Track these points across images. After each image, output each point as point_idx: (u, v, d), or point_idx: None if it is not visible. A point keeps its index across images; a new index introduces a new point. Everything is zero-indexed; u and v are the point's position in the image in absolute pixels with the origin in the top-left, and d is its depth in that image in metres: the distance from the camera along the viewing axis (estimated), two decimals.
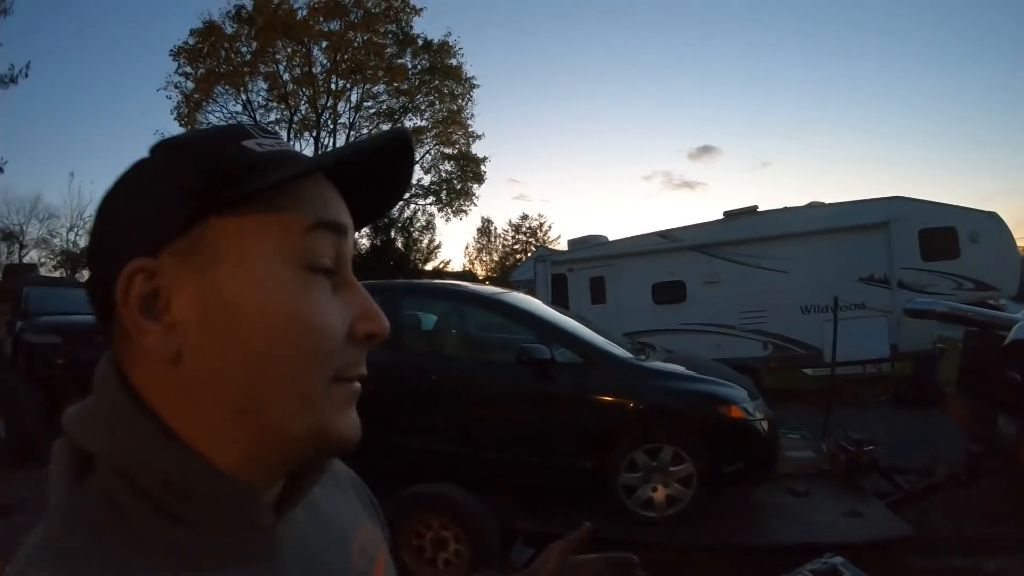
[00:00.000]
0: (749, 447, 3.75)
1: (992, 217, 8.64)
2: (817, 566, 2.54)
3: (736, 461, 3.70)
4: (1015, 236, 8.81)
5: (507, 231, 39.85)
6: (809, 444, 4.70)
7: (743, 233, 9.77)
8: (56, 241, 28.29)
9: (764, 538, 3.64)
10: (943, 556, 3.69)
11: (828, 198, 10.09)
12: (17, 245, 28.19)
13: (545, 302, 10.16)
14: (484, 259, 40.23)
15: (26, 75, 11.47)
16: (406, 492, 3.70)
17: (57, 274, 25.62)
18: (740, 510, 3.97)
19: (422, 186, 24.45)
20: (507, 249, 39.43)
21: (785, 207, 10.10)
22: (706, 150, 62.23)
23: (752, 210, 10.04)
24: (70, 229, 28.17)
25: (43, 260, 27.66)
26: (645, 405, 3.74)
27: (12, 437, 5.84)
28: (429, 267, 24.57)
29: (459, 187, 24.62)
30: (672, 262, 10.25)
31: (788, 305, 9.35)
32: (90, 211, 34.49)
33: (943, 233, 8.66)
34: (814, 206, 9.99)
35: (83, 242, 27.75)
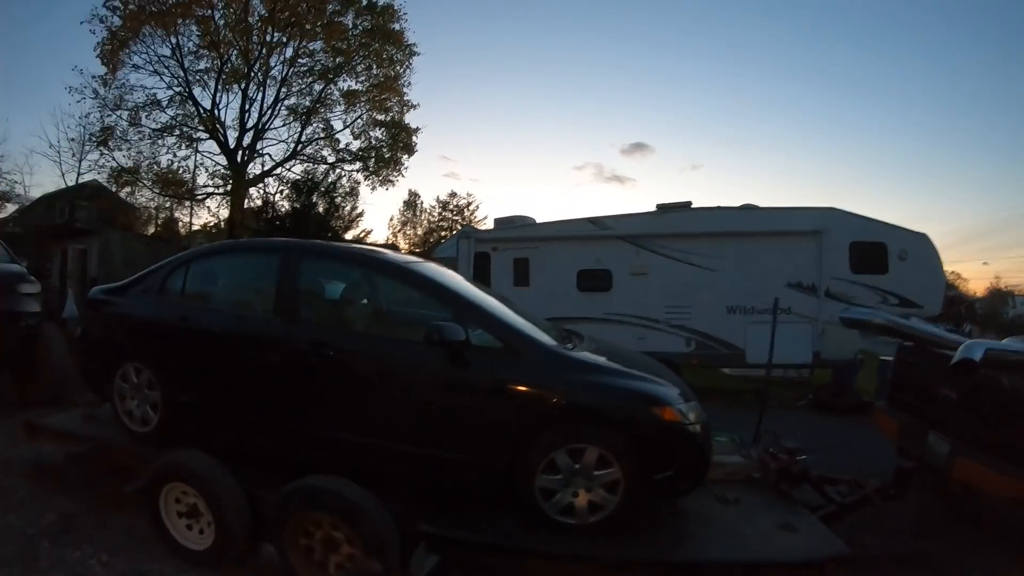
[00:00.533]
0: (682, 452, 3.34)
1: (921, 237, 9.03)
2: None
3: (667, 467, 3.29)
4: (942, 259, 9.25)
5: (434, 207, 39.82)
6: (738, 448, 4.44)
7: (675, 227, 9.88)
8: None
9: (696, 553, 3.31)
10: (873, 573, 3.71)
11: (760, 204, 10.33)
12: None
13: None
14: (408, 233, 40.02)
15: None
16: (293, 485, 3.24)
17: None
18: (667, 520, 3.62)
19: (349, 151, 23.82)
20: (432, 225, 39.40)
21: (719, 206, 10.28)
22: (639, 147, 64.11)
23: (686, 205, 10.20)
24: None
25: None
26: (570, 400, 3.28)
27: None
28: (350, 235, 23.98)
29: (388, 156, 23.89)
30: (600, 250, 10.25)
31: (714, 304, 9.55)
32: (1, 151, 31.65)
33: (874, 248, 9.02)
34: (748, 208, 10.08)
35: None
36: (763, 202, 10.77)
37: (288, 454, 3.68)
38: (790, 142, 64.08)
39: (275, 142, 23.65)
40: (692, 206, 10.10)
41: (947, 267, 9.61)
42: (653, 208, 10.28)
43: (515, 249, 10.78)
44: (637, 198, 65.55)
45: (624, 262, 9.99)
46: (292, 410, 3.67)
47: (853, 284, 9.03)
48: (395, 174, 24.39)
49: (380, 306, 4.19)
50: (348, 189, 24.27)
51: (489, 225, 12.56)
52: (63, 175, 24.23)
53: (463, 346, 3.27)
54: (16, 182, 25.93)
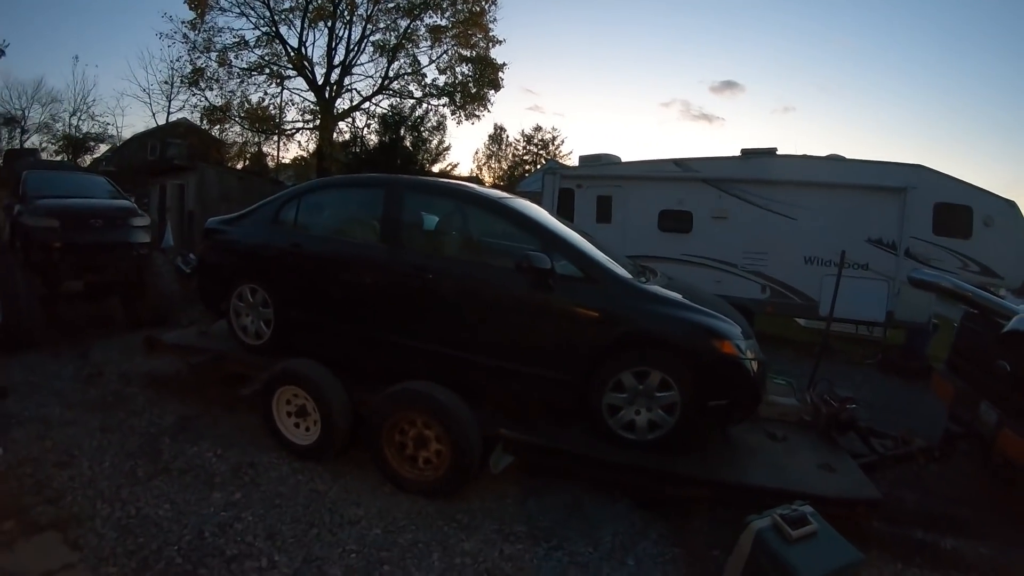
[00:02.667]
0: (736, 384, 3.61)
1: (1011, 205, 8.55)
2: (787, 511, 2.40)
3: (722, 396, 3.57)
4: None
5: (519, 140, 39.87)
6: (794, 392, 4.63)
7: (758, 173, 9.64)
8: (59, 126, 27.49)
9: (736, 477, 3.56)
10: (905, 526, 3.74)
11: (847, 154, 9.85)
12: (19, 130, 27.66)
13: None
14: (493, 166, 40.47)
15: None
16: (394, 387, 3.74)
17: (59, 159, 24.96)
18: (717, 445, 3.89)
19: (436, 86, 23.59)
20: (517, 159, 39.56)
21: (805, 155, 9.90)
22: (729, 85, 60.79)
23: (771, 152, 9.92)
24: (73, 114, 27.40)
25: (44, 145, 27.07)
26: (639, 327, 3.59)
27: (8, 320, 5.83)
28: (436, 168, 24.05)
29: (474, 91, 23.55)
30: (682, 191, 10.14)
31: (792, 252, 9.35)
32: (93, 95, 33.48)
33: (958, 211, 8.63)
34: (835, 159, 9.69)
35: (85, 127, 27.19)
36: (852, 152, 10.33)
37: (386, 365, 4.17)
38: (888, 91, 59.22)
39: (362, 78, 23.89)
40: (777, 152, 9.85)
41: None
42: (738, 152, 10.08)
43: (599, 187, 10.85)
44: (725, 137, 62.85)
45: (705, 205, 9.91)
46: (392, 326, 4.13)
47: (934, 246, 8.68)
48: (481, 109, 24.16)
49: (474, 236, 4.54)
50: (435, 123, 24.23)
51: (573, 160, 12.68)
52: (154, 115, 25.64)
53: (548, 273, 3.63)
54: (108, 123, 27.79)
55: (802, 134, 58.89)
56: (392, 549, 3.14)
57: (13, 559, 2.84)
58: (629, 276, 3.90)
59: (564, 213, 10.80)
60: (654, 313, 3.61)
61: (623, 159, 11.51)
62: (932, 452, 4.13)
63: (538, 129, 39.73)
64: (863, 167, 9.26)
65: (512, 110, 73.62)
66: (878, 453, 4.15)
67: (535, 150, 38.97)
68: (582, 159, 12.42)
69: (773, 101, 67.63)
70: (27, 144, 26.52)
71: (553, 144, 38.78)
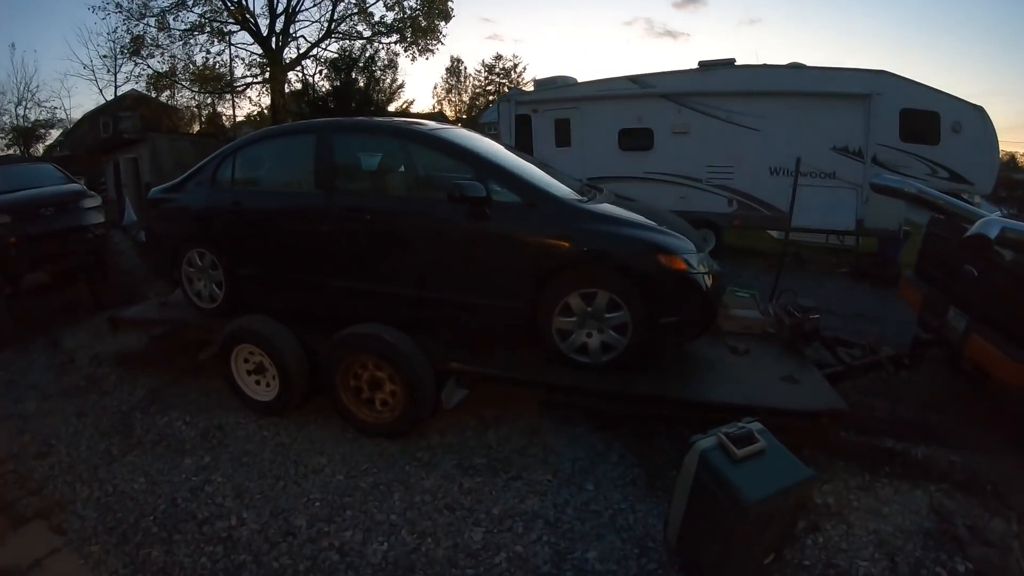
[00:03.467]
0: (688, 300, 3.54)
1: (978, 110, 8.39)
2: (732, 430, 2.35)
3: (673, 313, 3.51)
4: (1000, 139, 8.56)
5: (480, 71, 39.18)
6: (757, 304, 4.58)
7: (717, 86, 9.50)
8: (5, 119, 26.49)
9: (694, 393, 3.53)
10: (874, 436, 3.72)
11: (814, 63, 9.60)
12: None
13: (508, 143, 9.98)
14: (453, 100, 39.74)
15: None
16: (341, 333, 3.75)
17: (10, 152, 24.38)
18: (676, 362, 3.86)
19: (384, 24, 22.80)
20: (479, 90, 38.94)
21: (764, 64, 9.72)
22: None
23: (729, 63, 9.71)
24: (18, 104, 26.38)
25: None
26: (580, 247, 3.51)
27: None
28: (392, 107, 23.45)
29: (424, 24, 22.79)
30: (641, 109, 10.00)
31: (757, 164, 9.30)
32: (36, 81, 31.94)
33: (925, 117, 8.50)
34: (795, 67, 9.48)
35: (33, 115, 26.25)
36: (823, 59, 10.12)
37: (337, 311, 4.12)
38: None
39: (308, 23, 22.98)
40: (735, 63, 9.63)
41: (1010, 148, 8.85)
42: (695, 65, 9.85)
43: (556, 110, 10.66)
44: (690, 54, 61.39)
45: (665, 121, 9.79)
46: (337, 271, 4.08)
47: (902, 153, 8.60)
48: (434, 43, 23.42)
49: (408, 171, 4.44)
50: (387, 62, 23.61)
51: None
52: (101, 91, 24.84)
53: (483, 201, 3.55)
54: (56, 107, 26.80)
55: (769, 47, 57.75)
56: (354, 494, 3.20)
57: (4, 553, 2.93)
58: (570, 197, 3.81)
59: (522, 140, 10.72)
60: (597, 232, 3.52)
61: (583, 80, 11.19)
62: (901, 360, 4.11)
63: (499, 58, 39.02)
64: (825, 74, 9.09)
65: (471, 41, 71.29)
66: (845, 363, 4.11)
67: (498, 79, 38.24)
68: (536, 83, 12.13)
69: (739, 13, 65.88)
70: None
71: (515, 72, 38.09)
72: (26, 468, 3.68)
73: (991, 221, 3.51)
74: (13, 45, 40.14)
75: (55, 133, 27.45)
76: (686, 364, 3.85)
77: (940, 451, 3.57)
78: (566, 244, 3.51)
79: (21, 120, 26.18)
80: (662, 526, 2.80)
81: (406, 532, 2.90)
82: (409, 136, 4.30)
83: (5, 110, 26.26)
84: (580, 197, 3.87)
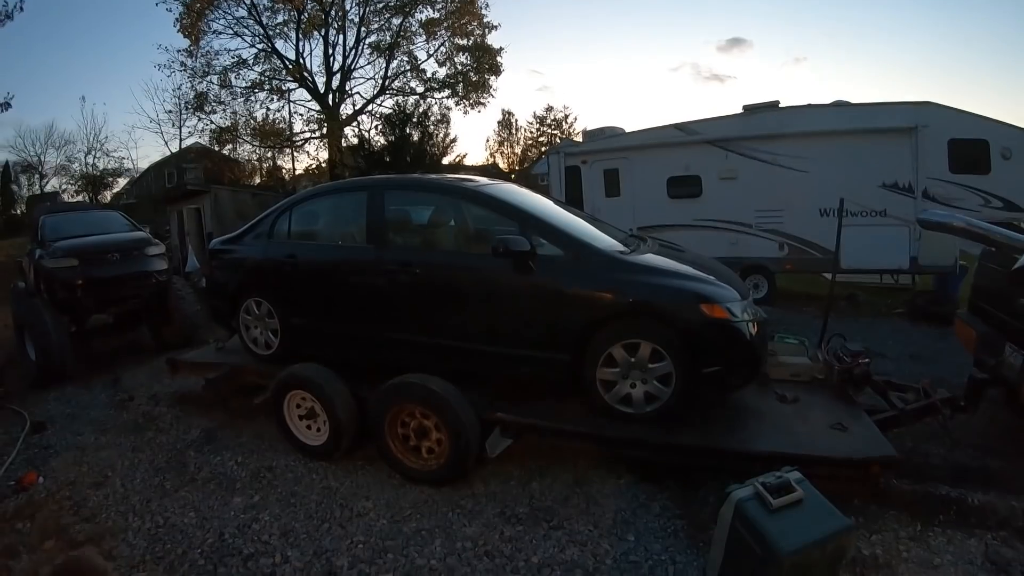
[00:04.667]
0: (731, 349, 3.52)
1: None
2: (769, 479, 2.34)
3: (716, 362, 3.49)
4: None
5: (531, 123, 39.50)
6: (806, 350, 4.49)
7: (762, 129, 9.50)
8: (75, 166, 28.61)
9: (740, 443, 3.48)
10: (928, 483, 3.55)
11: (858, 99, 9.53)
12: (37, 175, 28.99)
13: (558, 195, 10.19)
14: (506, 152, 40.07)
15: (20, 8, 10.94)
16: (390, 382, 3.86)
17: (79, 198, 26.01)
18: (723, 413, 3.82)
19: (436, 79, 23.77)
20: (530, 142, 39.20)
21: (808, 104, 9.66)
22: (736, 42, 59.59)
23: (773, 105, 9.71)
24: (87, 152, 28.38)
25: (64, 187, 28.39)
26: (623, 299, 3.55)
27: (42, 359, 6.31)
28: (446, 161, 23.94)
29: (475, 79, 23.66)
30: (688, 156, 10.06)
31: (806, 206, 9.18)
32: (105, 132, 34.40)
33: (974, 145, 8.32)
34: (840, 105, 9.46)
35: (101, 164, 28.17)
36: (866, 96, 10.04)
37: (386, 360, 4.24)
38: (899, 28, 56.70)
39: (363, 80, 24.05)
40: (780, 105, 9.62)
41: None
42: (740, 110, 9.91)
43: (604, 160, 10.79)
44: (738, 96, 61.22)
45: (713, 167, 9.81)
46: (387, 322, 4.21)
47: (952, 184, 8.39)
48: (485, 96, 24.24)
49: (455, 226, 4.59)
50: (439, 116, 24.13)
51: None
52: (166, 143, 26.43)
53: (528, 255, 3.65)
54: (123, 158, 28.76)
55: (816, 83, 57.14)
56: (397, 538, 3.25)
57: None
58: (612, 249, 3.87)
59: (573, 191, 10.86)
60: (639, 283, 3.56)
61: (631, 130, 11.35)
62: (956, 402, 3.96)
63: (549, 109, 39.35)
64: (869, 110, 9.01)
65: (521, 94, 73.12)
66: (897, 408, 3.95)
67: (549, 131, 38.53)
68: (585, 134, 12.36)
69: (783, 53, 65.72)
70: (47, 188, 27.78)
71: (566, 122, 38.35)
72: (81, 496, 3.86)
73: None
74: (83, 97, 43.53)
75: (122, 182, 29.39)
76: (732, 413, 3.81)
77: (998, 497, 3.37)
78: (609, 296, 3.56)
79: (90, 168, 28.08)
80: None
81: None
82: (455, 193, 4.48)
83: (75, 159, 28.48)
84: (623, 248, 3.94)
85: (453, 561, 3.03)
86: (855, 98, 9.55)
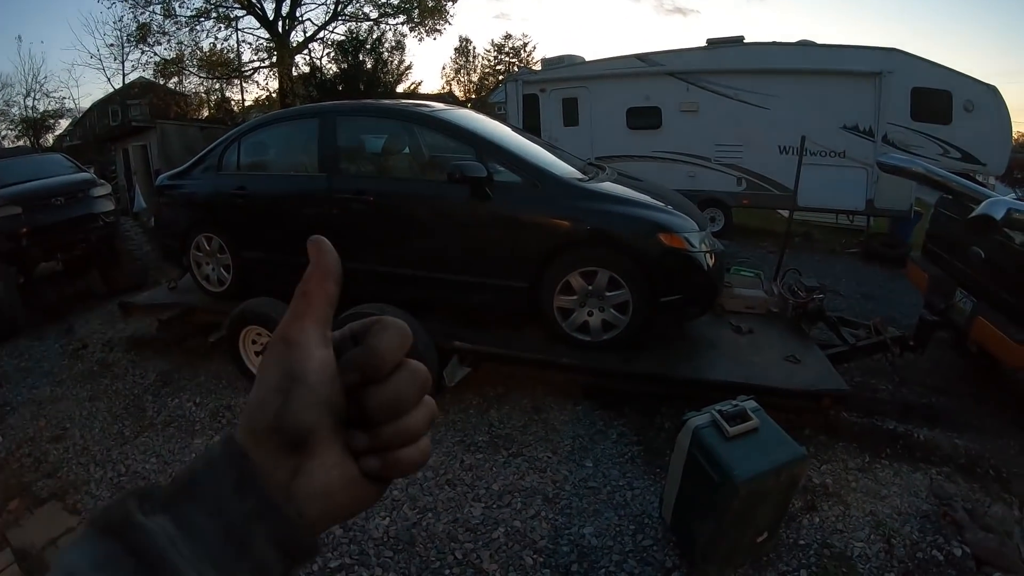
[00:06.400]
0: (688, 279, 3.55)
1: (991, 90, 8.26)
2: (726, 407, 2.36)
3: (673, 292, 3.53)
4: (1014, 120, 8.39)
5: (489, 51, 38.56)
6: (761, 284, 4.57)
7: (726, 63, 9.40)
8: (15, 110, 26.63)
9: (695, 373, 3.55)
10: (877, 418, 3.68)
11: (824, 41, 9.47)
12: None
13: (516, 123, 9.97)
14: (463, 80, 39.10)
15: None
16: (344, 314, 3.71)
17: (20, 143, 24.42)
18: (677, 341, 3.88)
19: (391, 5, 22.71)
20: (488, 70, 38.32)
21: (773, 42, 9.62)
22: None
23: (738, 40, 9.62)
24: (27, 95, 26.46)
25: (3, 133, 26.48)
26: (579, 226, 3.53)
27: None
28: (401, 89, 23.19)
29: (431, 5, 22.78)
30: (649, 87, 9.94)
31: (766, 143, 9.21)
32: (44, 72, 31.90)
33: (937, 95, 8.38)
34: (805, 44, 9.36)
35: (42, 106, 26.36)
36: (828, 39, 9.98)
37: (343, 291, 4.17)
38: None
39: (314, 6, 22.87)
40: (744, 41, 9.53)
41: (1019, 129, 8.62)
42: (704, 43, 9.78)
43: (563, 89, 10.61)
44: (700, 31, 60.64)
45: (674, 99, 9.72)
46: (342, 252, 4.05)
47: (913, 132, 8.48)
48: (441, 23, 23.45)
49: (410, 153, 4.47)
50: (394, 43, 23.18)
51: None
52: (109, 80, 24.85)
53: (484, 181, 3.58)
54: (64, 98, 26.96)
55: (780, 23, 56.69)
56: None
57: (22, 533, 3.04)
58: (571, 176, 3.82)
59: (531, 120, 10.67)
60: (596, 211, 3.54)
61: (591, 59, 11.14)
62: (906, 341, 4.08)
63: (508, 37, 38.83)
64: (835, 52, 8.99)
65: (479, 21, 71.08)
66: (848, 343, 4.07)
67: (507, 59, 37.52)
68: (544, 62, 12.14)
69: None
70: None
71: (525, 51, 37.35)
72: (41, 451, 3.78)
73: (997, 202, 3.46)
74: (19, 37, 40.60)
75: (64, 123, 27.72)
76: (688, 343, 3.87)
77: (943, 434, 3.54)
78: (567, 223, 3.53)
79: (30, 111, 26.36)
80: (658, 503, 2.83)
81: (407, 507, 2.95)
82: (410, 118, 4.32)
83: (14, 102, 26.52)
84: (582, 176, 3.88)
85: (415, 491, 3.07)
86: (818, 40, 9.49)
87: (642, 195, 3.77)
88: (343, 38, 21.99)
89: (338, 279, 0.40)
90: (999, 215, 3.35)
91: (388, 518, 2.89)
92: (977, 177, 7.96)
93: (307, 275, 0.39)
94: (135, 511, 0.31)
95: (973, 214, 3.50)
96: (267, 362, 0.37)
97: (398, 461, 0.39)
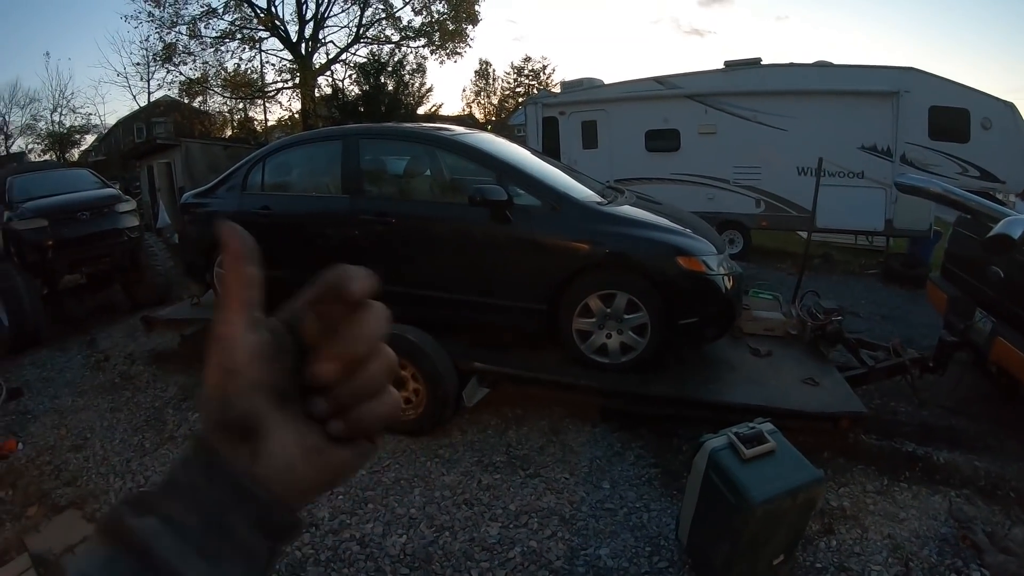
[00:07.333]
0: (707, 301, 3.57)
1: (1009, 107, 8.20)
2: (743, 429, 2.36)
3: (692, 314, 3.54)
4: None
5: (509, 74, 38.91)
6: (780, 306, 4.57)
7: (743, 85, 9.45)
8: (41, 125, 27.45)
9: (713, 395, 3.55)
10: (896, 440, 3.66)
11: (841, 61, 9.48)
12: (2, 136, 27.64)
13: (535, 146, 10.07)
14: (483, 102, 39.46)
15: None
16: None
17: (46, 158, 25.08)
18: (696, 364, 3.89)
19: (413, 28, 23.11)
20: (508, 92, 38.64)
21: (791, 63, 9.62)
22: None
23: (755, 62, 9.65)
24: (53, 110, 27.25)
25: (31, 146, 27.22)
26: (600, 250, 3.57)
27: (15, 325, 6.12)
28: (421, 111, 23.56)
29: (452, 28, 23.05)
30: (667, 110, 9.99)
31: (784, 164, 9.21)
32: (71, 88, 32.81)
33: (955, 114, 8.34)
34: (822, 65, 9.36)
35: (68, 121, 27.04)
36: (848, 59, 9.99)
37: None
38: None
39: (336, 29, 23.34)
40: (762, 63, 9.57)
41: None
42: (721, 65, 9.83)
43: (582, 112, 10.69)
44: (718, 52, 60.98)
45: (692, 121, 9.77)
46: None
47: (931, 151, 8.44)
48: (462, 46, 23.72)
49: (432, 176, 4.53)
50: (415, 66, 23.71)
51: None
52: (134, 97, 25.51)
53: (504, 205, 3.63)
54: (90, 114, 27.52)
55: (797, 44, 56.74)
56: (376, 488, 3.28)
57: (40, 539, 3.08)
58: (590, 200, 3.86)
59: (550, 142, 10.76)
60: (615, 234, 3.58)
61: (610, 82, 11.22)
62: (926, 363, 4.02)
63: (527, 60, 38.91)
64: (852, 72, 8.97)
65: (498, 44, 71.94)
66: (867, 365, 4.02)
67: (527, 81, 37.81)
68: (563, 85, 12.15)
69: (765, 9, 64.99)
70: (13, 149, 26.60)
71: (544, 73, 37.65)
72: (61, 460, 3.84)
73: (1015, 221, 3.44)
74: (48, 53, 41.47)
75: (90, 139, 28.38)
76: (706, 366, 3.87)
77: (963, 456, 3.49)
78: (585, 246, 3.57)
79: (57, 126, 26.98)
80: (674, 525, 2.83)
81: (425, 526, 2.97)
82: (432, 141, 4.40)
83: (41, 117, 27.23)
84: (601, 200, 3.92)
85: (433, 510, 3.08)
86: (835, 61, 9.50)
87: (660, 218, 3.80)
88: (365, 60, 22.43)
89: (254, 258, 0.40)
90: (1017, 234, 3.33)
91: (405, 536, 2.91)
92: (997, 195, 7.91)
93: (222, 263, 0.39)
94: (127, 515, 0.33)
95: (991, 233, 3.48)
96: (207, 361, 0.37)
97: (360, 419, 0.39)
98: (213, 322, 0.38)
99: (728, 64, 9.73)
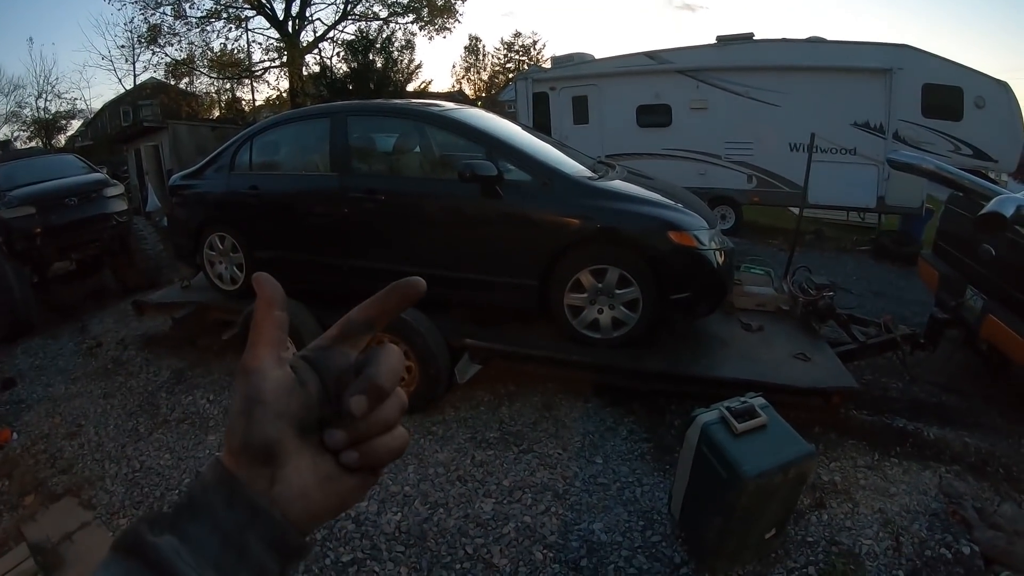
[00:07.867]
0: (698, 276, 3.56)
1: (1002, 86, 8.18)
2: (735, 404, 2.37)
3: (683, 289, 3.53)
4: None
5: (499, 49, 38.54)
6: (771, 281, 4.57)
7: (735, 60, 9.39)
8: (27, 112, 26.96)
9: (704, 369, 3.55)
10: (887, 415, 3.68)
11: (833, 36, 9.43)
12: None
13: (525, 121, 10.01)
14: (473, 79, 39.11)
15: None
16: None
17: (32, 144, 24.77)
18: (687, 339, 3.89)
19: (400, 4, 22.70)
20: (498, 68, 38.27)
21: (783, 38, 9.52)
22: None
23: (748, 37, 9.55)
24: (38, 96, 26.83)
25: (16, 134, 26.68)
26: (591, 225, 3.54)
27: (5, 314, 6.10)
28: (411, 88, 23.24)
29: (441, 3, 22.72)
30: (659, 85, 9.94)
31: (776, 140, 9.18)
32: (55, 73, 32.16)
33: (948, 92, 8.33)
34: (815, 41, 9.27)
35: (53, 107, 26.68)
36: (838, 34, 9.92)
37: (352, 289, 4.20)
38: None
39: (323, 6, 22.85)
40: (754, 38, 9.48)
41: None
42: (713, 40, 9.74)
43: (573, 87, 10.63)
44: (708, 26, 60.04)
45: (683, 97, 9.73)
46: (354, 251, 4.16)
47: (924, 129, 8.44)
48: (451, 21, 23.39)
49: (421, 152, 4.48)
50: (404, 42, 23.24)
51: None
52: (120, 81, 24.98)
53: (494, 180, 3.60)
54: (76, 99, 27.12)
55: (790, 17, 56.23)
56: None
57: (37, 528, 3.09)
58: (580, 174, 3.83)
59: (541, 118, 10.70)
60: (606, 209, 3.55)
61: (600, 57, 11.12)
62: (916, 339, 4.07)
63: (517, 35, 39.04)
64: (845, 49, 8.92)
65: (487, 19, 70.90)
66: (858, 341, 4.05)
67: (517, 57, 37.43)
68: (553, 60, 12.10)
69: None
70: None
71: (535, 49, 37.28)
72: (56, 448, 3.85)
73: (1007, 199, 3.43)
74: (31, 39, 40.76)
75: (76, 124, 28.03)
76: (698, 340, 3.88)
77: (953, 432, 3.52)
78: (576, 221, 3.55)
79: (42, 112, 26.67)
80: (667, 499, 2.85)
81: (419, 503, 2.99)
82: (421, 117, 4.35)
83: (26, 103, 26.80)
84: (592, 175, 3.89)
85: (427, 487, 3.10)
86: (829, 37, 9.43)
87: (652, 193, 3.77)
88: (353, 37, 22.09)
89: (282, 304, 0.45)
90: (1009, 212, 3.32)
91: (400, 513, 2.93)
92: (990, 174, 7.90)
93: (255, 307, 0.44)
94: (146, 533, 0.35)
95: (983, 211, 3.46)
96: (234, 391, 0.41)
97: (375, 451, 0.42)
98: (243, 357, 0.41)
99: (720, 39, 9.64)
